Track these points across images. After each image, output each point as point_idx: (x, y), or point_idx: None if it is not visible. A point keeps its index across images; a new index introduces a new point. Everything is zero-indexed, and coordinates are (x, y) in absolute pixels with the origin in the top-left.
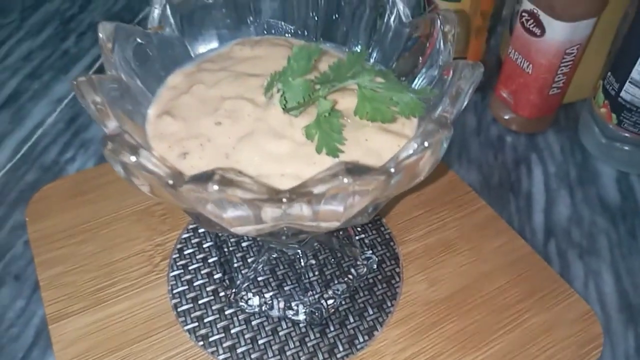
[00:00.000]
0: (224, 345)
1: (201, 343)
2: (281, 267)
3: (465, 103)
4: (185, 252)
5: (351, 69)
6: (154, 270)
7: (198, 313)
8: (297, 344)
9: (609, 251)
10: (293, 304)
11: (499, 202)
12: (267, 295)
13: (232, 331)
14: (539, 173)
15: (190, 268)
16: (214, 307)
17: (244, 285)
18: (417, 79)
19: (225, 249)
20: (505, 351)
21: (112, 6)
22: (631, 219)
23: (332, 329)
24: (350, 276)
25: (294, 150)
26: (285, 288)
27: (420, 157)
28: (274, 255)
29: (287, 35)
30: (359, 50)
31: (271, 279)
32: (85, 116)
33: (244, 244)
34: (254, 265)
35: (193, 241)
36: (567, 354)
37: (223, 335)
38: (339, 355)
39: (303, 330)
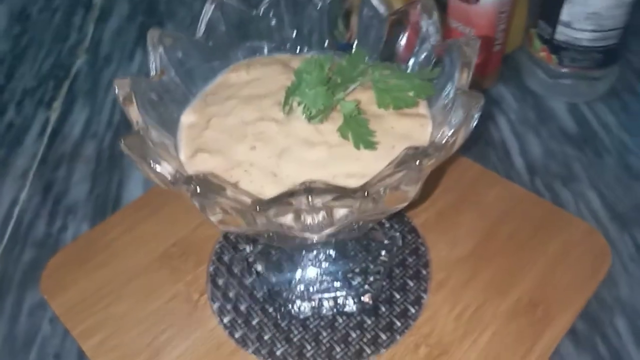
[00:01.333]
0: (292, 354)
1: (270, 359)
2: (319, 270)
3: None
4: (219, 282)
5: (355, 69)
6: (196, 307)
7: (255, 334)
8: (358, 332)
9: (585, 173)
10: (339, 299)
11: (481, 157)
12: (315, 297)
13: (294, 339)
14: (504, 122)
15: (230, 295)
16: (268, 324)
17: (290, 295)
18: (410, 65)
19: (257, 267)
20: (536, 282)
21: (41, 67)
22: (592, 141)
23: (383, 309)
24: (382, 258)
25: (331, 153)
26: (328, 286)
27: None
28: (310, 262)
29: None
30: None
31: (311, 282)
32: (59, 183)
33: (273, 258)
34: (290, 272)
35: (221, 269)
36: (586, 267)
37: (287, 346)
38: (398, 330)
39: (358, 319)
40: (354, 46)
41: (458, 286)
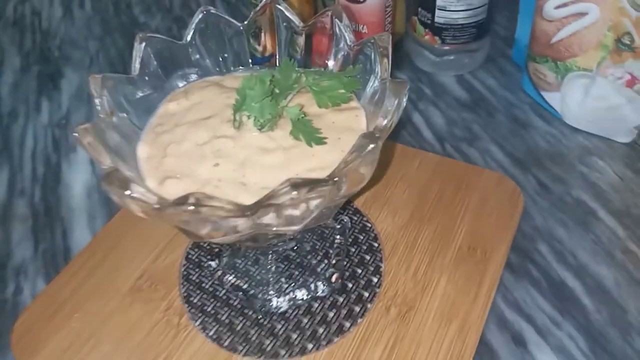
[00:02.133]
0: (280, 345)
1: (262, 357)
2: (285, 265)
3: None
4: (195, 301)
5: (289, 78)
6: (179, 329)
7: (242, 337)
8: (334, 310)
9: (483, 131)
10: (311, 286)
11: (396, 137)
12: (288, 291)
13: (279, 333)
14: (407, 103)
15: (208, 310)
16: (251, 326)
17: (265, 295)
18: (331, 67)
19: (228, 279)
20: (469, 230)
21: None
22: (482, 104)
23: (350, 285)
24: (337, 241)
25: (288, 155)
26: (298, 278)
27: (358, 165)
28: (275, 260)
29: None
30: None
31: (282, 278)
32: None
33: (241, 266)
34: (260, 275)
35: (193, 289)
36: (505, 209)
37: (274, 339)
38: (368, 299)
39: (330, 299)
40: (278, 59)
41: (407, 249)
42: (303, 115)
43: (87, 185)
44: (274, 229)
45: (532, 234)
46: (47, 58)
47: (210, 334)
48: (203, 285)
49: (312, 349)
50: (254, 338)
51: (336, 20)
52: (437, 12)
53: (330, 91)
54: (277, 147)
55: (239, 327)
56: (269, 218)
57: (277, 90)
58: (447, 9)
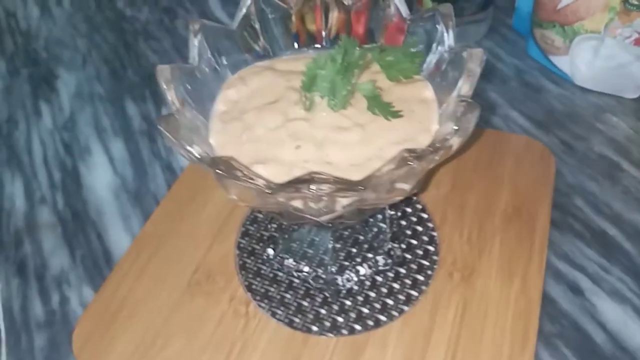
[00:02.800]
0: (352, 320)
1: (338, 334)
2: (343, 244)
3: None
4: (258, 289)
5: (354, 55)
6: (249, 317)
7: (312, 317)
8: (398, 282)
9: (501, 99)
10: (372, 261)
11: None
12: (350, 268)
13: (349, 309)
14: None
15: (274, 295)
16: (321, 305)
17: (329, 276)
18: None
19: (288, 263)
20: (511, 193)
21: None
22: (494, 72)
23: (408, 257)
24: (389, 214)
25: (366, 131)
26: (357, 254)
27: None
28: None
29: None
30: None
31: (341, 256)
32: (32, 258)
33: (298, 250)
34: (318, 256)
35: (252, 277)
36: (539, 170)
37: (345, 315)
38: (429, 268)
39: (393, 272)
40: (327, 38)
41: (456, 216)
42: (377, 91)
43: (111, 186)
44: (303, 213)
45: (566, 190)
46: (35, 60)
47: (281, 318)
48: (262, 272)
49: (385, 320)
50: (325, 317)
51: (441, 19)
52: None
53: (398, 65)
54: (353, 125)
55: (308, 309)
56: (297, 202)
57: (344, 67)
58: None
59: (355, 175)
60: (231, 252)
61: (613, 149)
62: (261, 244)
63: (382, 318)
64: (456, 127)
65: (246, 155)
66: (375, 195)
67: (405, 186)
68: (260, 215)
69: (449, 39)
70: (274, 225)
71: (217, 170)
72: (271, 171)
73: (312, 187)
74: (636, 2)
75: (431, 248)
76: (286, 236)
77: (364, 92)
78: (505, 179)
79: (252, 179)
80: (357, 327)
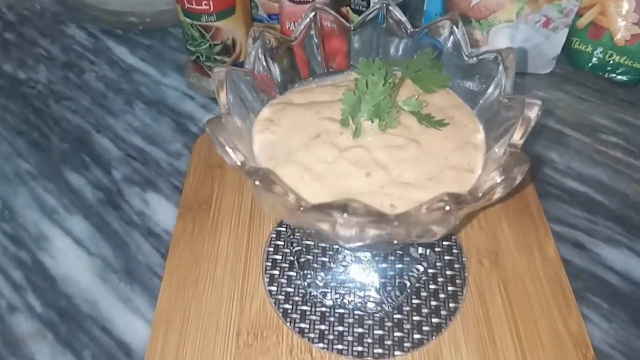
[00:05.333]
0: (415, 332)
1: (412, 347)
2: (374, 266)
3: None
4: (313, 334)
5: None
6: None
7: (379, 343)
8: (441, 280)
9: None
10: (411, 272)
11: None
12: (391, 287)
13: (405, 323)
14: None
15: (332, 337)
16: (379, 328)
17: (373, 300)
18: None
19: (329, 295)
20: None
21: None
22: None
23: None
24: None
25: (422, 144)
26: (392, 272)
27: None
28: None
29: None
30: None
31: (380, 278)
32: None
33: (332, 280)
34: (356, 282)
35: (300, 322)
36: None
37: (406, 331)
38: (460, 252)
39: (430, 274)
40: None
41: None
42: (422, 105)
43: (92, 270)
44: (330, 236)
45: (533, 163)
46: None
47: (347, 352)
48: (308, 313)
49: (445, 322)
50: (387, 337)
51: (454, 27)
52: (371, 1)
53: (428, 77)
54: (408, 141)
55: (367, 335)
56: (325, 225)
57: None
58: None
59: (437, 191)
60: (266, 302)
61: (552, 119)
62: (293, 286)
63: (441, 322)
64: (502, 178)
65: (324, 195)
66: (407, 233)
67: (439, 229)
68: (279, 257)
69: (464, 45)
70: (302, 261)
71: (255, 183)
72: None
73: (345, 214)
74: None
75: (450, 243)
76: (315, 267)
77: (411, 108)
78: None
79: (287, 195)
80: (423, 337)
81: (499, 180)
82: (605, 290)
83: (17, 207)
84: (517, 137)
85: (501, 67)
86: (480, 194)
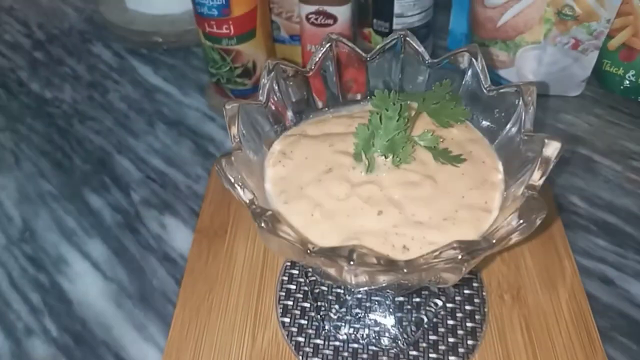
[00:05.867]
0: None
1: None
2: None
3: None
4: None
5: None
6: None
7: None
8: (459, 315)
9: None
10: (428, 307)
11: None
12: (411, 322)
13: (418, 356)
14: None
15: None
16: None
17: (393, 334)
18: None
19: (342, 330)
20: None
21: None
22: None
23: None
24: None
25: (438, 181)
26: (410, 308)
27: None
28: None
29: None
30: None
31: (398, 314)
32: None
33: (346, 314)
34: (373, 319)
35: (313, 355)
36: None
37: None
38: (481, 287)
39: (449, 309)
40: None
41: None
42: (439, 140)
43: (107, 294)
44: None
45: (560, 192)
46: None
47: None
48: (321, 347)
49: (464, 357)
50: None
51: (473, 59)
52: (395, 19)
53: (446, 110)
54: (423, 177)
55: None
56: (331, 270)
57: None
58: (405, 15)
59: (452, 231)
60: (278, 333)
61: (580, 145)
62: (306, 318)
63: (459, 358)
64: (519, 222)
65: (333, 234)
66: (419, 279)
67: (451, 277)
68: (293, 287)
69: (483, 77)
70: (316, 291)
71: (261, 225)
72: (368, 245)
73: (351, 262)
74: (570, 13)
75: (473, 277)
76: (329, 299)
77: (426, 143)
78: None
79: (293, 239)
80: None
81: (514, 224)
82: (634, 329)
83: (37, 227)
84: (536, 177)
85: (521, 102)
86: (494, 241)
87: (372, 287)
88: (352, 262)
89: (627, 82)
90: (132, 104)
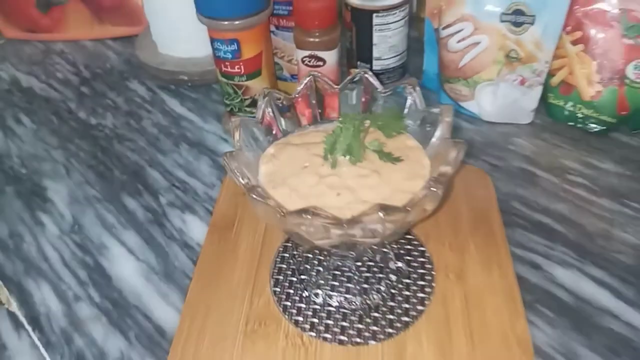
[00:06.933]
0: (388, 326)
1: (386, 338)
2: (358, 274)
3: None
4: (305, 324)
5: (356, 122)
6: (307, 347)
7: (358, 333)
8: (412, 287)
9: None
10: (388, 280)
11: None
12: (373, 290)
13: (382, 318)
14: None
15: (321, 327)
16: (359, 322)
17: (359, 299)
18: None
19: (332, 299)
20: (470, 205)
21: None
22: None
23: (411, 269)
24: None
25: (381, 174)
26: (372, 280)
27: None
28: (353, 269)
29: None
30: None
31: (364, 284)
32: (92, 353)
33: (327, 284)
34: (345, 286)
35: (296, 315)
36: (483, 186)
37: (381, 324)
38: (432, 267)
39: (404, 283)
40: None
41: (435, 233)
42: (382, 146)
43: (139, 272)
44: (360, 239)
45: (504, 198)
46: (16, 177)
47: (332, 340)
48: (303, 309)
49: (412, 321)
50: (364, 330)
51: (410, 89)
52: (374, 61)
53: (390, 125)
54: (371, 172)
55: (349, 328)
56: (357, 230)
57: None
58: (382, 58)
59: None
60: (270, 300)
61: (526, 162)
62: (293, 288)
63: (409, 319)
64: (424, 193)
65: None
66: (361, 234)
67: (382, 229)
68: (284, 266)
69: (419, 102)
70: (301, 269)
71: (252, 195)
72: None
73: (308, 216)
74: (515, 56)
75: (425, 260)
76: (311, 274)
77: (373, 147)
78: (460, 199)
79: (272, 205)
80: (393, 330)
81: (421, 196)
82: (553, 302)
83: (84, 222)
84: (444, 170)
85: (441, 119)
86: (404, 206)
87: (331, 243)
88: (308, 216)
89: (567, 111)
90: (162, 129)
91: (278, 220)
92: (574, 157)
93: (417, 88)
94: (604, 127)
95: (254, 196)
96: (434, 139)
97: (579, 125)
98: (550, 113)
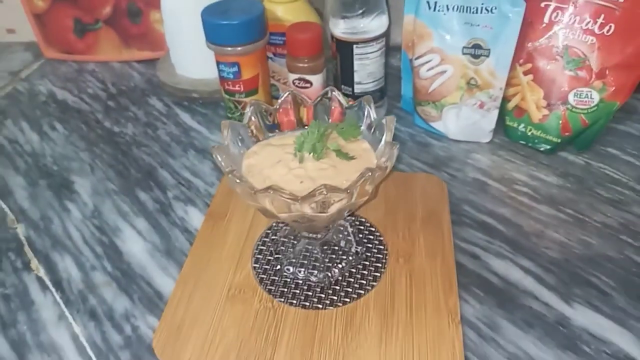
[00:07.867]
0: (344, 297)
1: (341, 304)
2: (322, 253)
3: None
4: (276, 291)
5: (321, 129)
6: (276, 310)
7: (319, 300)
8: (367, 269)
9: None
10: (347, 259)
11: None
12: (335, 267)
13: (339, 290)
14: None
15: (288, 293)
16: (320, 292)
17: (323, 273)
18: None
19: (300, 273)
20: (424, 206)
21: None
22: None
23: (369, 254)
24: (350, 230)
25: (337, 169)
26: (337, 258)
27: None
28: (317, 249)
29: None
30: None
31: (326, 260)
32: (102, 310)
33: (297, 261)
34: (311, 262)
35: (270, 285)
36: (438, 192)
37: (339, 294)
38: (386, 253)
39: (362, 264)
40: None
41: (392, 227)
42: (338, 147)
43: (145, 250)
44: (312, 213)
45: (457, 202)
46: (49, 172)
47: (296, 305)
48: (275, 281)
49: (364, 293)
50: (325, 299)
51: (366, 104)
52: (355, 85)
53: (347, 131)
54: (329, 166)
55: (312, 296)
56: (308, 206)
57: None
58: (362, 83)
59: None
60: (250, 273)
61: (481, 174)
62: (269, 265)
63: (362, 292)
64: (384, 160)
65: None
66: (313, 209)
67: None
68: (264, 248)
69: (372, 114)
70: (278, 250)
71: (230, 176)
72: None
73: (270, 191)
74: (474, 83)
75: (381, 247)
76: (286, 254)
77: (333, 147)
78: (418, 201)
79: (247, 185)
80: (347, 300)
81: (358, 180)
82: (485, 285)
83: (103, 210)
84: (389, 137)
85: (386, 127)
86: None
87: (292, 217)
88: (271, 192)
89: (519, 132)
90: (173, 137)
91: (251, 196)
92: (523, 171)
93: (372, 105)
94: (551, 147)
95: (232, 176)
96: (381, 143)
97: (530, 145)
98: (507, 133)
